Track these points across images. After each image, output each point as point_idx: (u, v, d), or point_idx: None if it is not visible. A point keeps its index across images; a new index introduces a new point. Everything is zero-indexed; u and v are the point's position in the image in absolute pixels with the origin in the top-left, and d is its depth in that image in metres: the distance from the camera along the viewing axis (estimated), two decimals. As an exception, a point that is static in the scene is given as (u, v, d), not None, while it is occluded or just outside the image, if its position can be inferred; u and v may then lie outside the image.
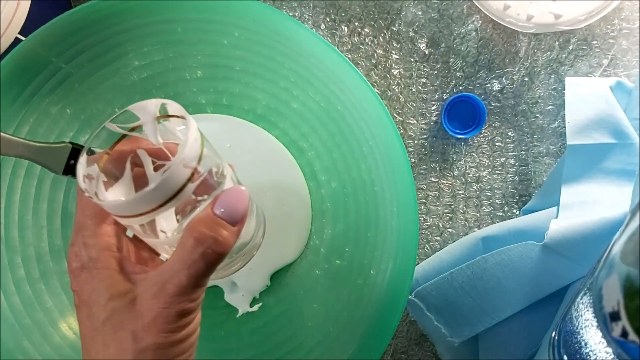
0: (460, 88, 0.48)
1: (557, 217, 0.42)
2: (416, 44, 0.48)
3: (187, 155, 0.25)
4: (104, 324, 0.26)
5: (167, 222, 0.29)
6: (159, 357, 0.25)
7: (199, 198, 0.27)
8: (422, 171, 0.49)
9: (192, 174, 0.25)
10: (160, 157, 0.30)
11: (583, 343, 0.31)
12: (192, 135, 0.26)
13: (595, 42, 0.47)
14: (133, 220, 0.26)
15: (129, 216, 0.25)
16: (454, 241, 0.48)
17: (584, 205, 0.42)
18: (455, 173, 0.49)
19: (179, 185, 0.25)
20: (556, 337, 0.36)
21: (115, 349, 0.25)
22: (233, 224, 0.26)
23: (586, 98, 0.44)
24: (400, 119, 0.49)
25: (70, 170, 0.41)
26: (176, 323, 0.25)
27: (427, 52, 0.48)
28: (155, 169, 0.30)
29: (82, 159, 0.27)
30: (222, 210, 0.26)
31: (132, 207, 0.25)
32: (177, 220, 0.29)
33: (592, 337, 0.30)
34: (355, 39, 0.49)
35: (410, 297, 0.44)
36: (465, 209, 0.49)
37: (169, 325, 0.25)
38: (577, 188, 0.43)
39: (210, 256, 0.25)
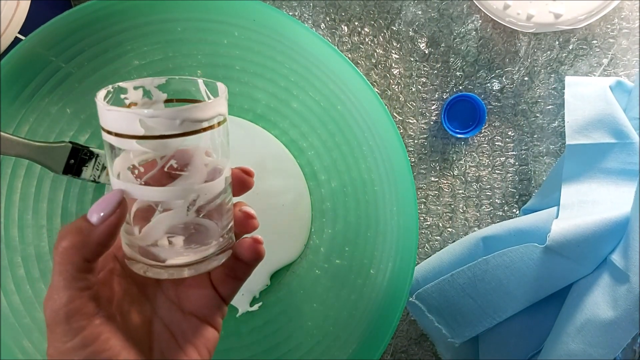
0: (460, 87, 0.48)
1: (557, 217, 0.42)
2: (416, 43, 0.48)
3: (214, 111, 0.26)
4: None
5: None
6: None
7: (178, 171, 0.27)
8: (422, 171, 0.49)
9: (210, 127, 0.26)
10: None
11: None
12: (222, 104, 0.27)
13: (595, 41, 0.47)
14: (144, 144, 0.26)
15: (145, 136, 0.25)
16: (454, 241, 0.48)
17: (584, 205, 0.42)
18: (455, 172, 0.49)
19: (197, 125, 0.26)
20: None
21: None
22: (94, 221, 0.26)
23: (585, 98, 0.44)
24: (400, 118, 0.49)
25: (70, 169, 0.41)
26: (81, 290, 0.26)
27: (427, 52, 0.48)
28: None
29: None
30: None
31: (157, 122, 0.25)
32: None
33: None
34: (355, 39, 0.49)
35: (411, 299, 0.44)
36: (465, 209, 0.49)
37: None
38: (577, 188, 0.43)
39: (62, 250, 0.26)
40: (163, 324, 0.30)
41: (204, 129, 0.26)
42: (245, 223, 0.31)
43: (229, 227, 0.29)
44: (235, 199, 0.30)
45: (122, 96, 0.29)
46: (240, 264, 0.31)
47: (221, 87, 0.28)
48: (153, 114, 0.25)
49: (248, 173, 0.30)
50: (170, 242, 0.28)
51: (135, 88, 0.28)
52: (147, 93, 0.29)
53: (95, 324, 0.26)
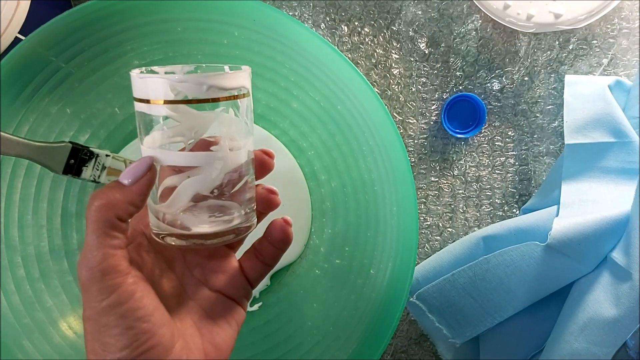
0: (460, 87, 0.48)
1: (557, 216, 0.42)
2: (416, 43, 0.48)
3: (237, 82, 0.28)
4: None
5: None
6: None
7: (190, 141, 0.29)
8: (422, 171, 0.49)
9: (234, 96, 0.28)
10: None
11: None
12: (245, 77, 0.29)
13: (595, 41, 0.47)
14: (169, 108, 0.27)
15: (173, 101, 0.27)
16: (454, 241, 0.48)
17: (584, 204, 0.42)
18: (455, 172, 0.49)
19: (222, 92, 0.28)
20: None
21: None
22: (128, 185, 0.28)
23: (585, 97, 0.44)
24: (400, 118, 0.49)
25: (70, 169, 0.41)
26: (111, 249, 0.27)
27: (427, 52, 0.48)
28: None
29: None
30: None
31: (186, 87, 0.27)
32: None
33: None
34: (355, 39, 0.49)
35: (411, 299, 0.44)
36: (465, 209, 0.49)
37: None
38: (577, 187, 0.43)
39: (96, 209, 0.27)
40: (191, 298, 0.31)
41: (228, 98, 0.28)
42: (267, 199, 0.32)
43: (252, 204, 0.31)
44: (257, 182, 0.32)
45: None
46: (268, 246, 0.32)
47: (245, 67, 0.30)
48: (182, 78, 0.27)
49: (269, 154, 0.32)
50: (194, 212, 0.29)
51: (167, 73, 0.30)
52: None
53: (129, 282, 0.27)
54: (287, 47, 0.43)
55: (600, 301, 0.39)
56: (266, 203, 0.32)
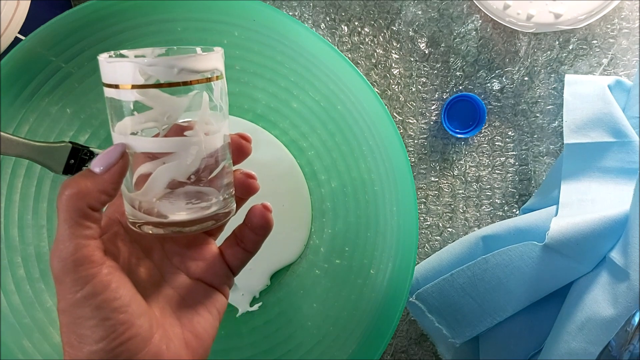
0: (460, 87, 0.48)
1: (556, 216, 0.42)
2: (416, 43, 0.48)
3: (210, 64, 0.27)
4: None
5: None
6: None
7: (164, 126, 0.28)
8: (422, 171, 0.49)
9: (207, 79, 0.27)
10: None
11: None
12: (217, 59, 0.28)
13: (595, 41, 0.47)
14: (140, 93, 0.27)
15: (142, 85, 0.26)
16: (454, 241, 0.48)
17: (583, 204, 0.42)
18: (455, 172, 0.49)
19: (194, 75, 0.27)
20: None
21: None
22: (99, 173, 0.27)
23: (584, 97, 0.44)
24: (400, 118, 0.49)
25: (70, 169, 0.41)
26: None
27: (427, 52, 0.48)
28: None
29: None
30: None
31: (156, 70, 0.26)
32: None
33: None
34: (355, 39, 0.49)
35: (411, 299, 0.44)
36: (465, 209, 0.49)
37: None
38: (576, 186, 0.43)
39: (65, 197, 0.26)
40: (171, 287, 0.31)
41: (200, 81, 0.27)
42: (246, 183, 0.31)
43: (230, 189, 0.30)
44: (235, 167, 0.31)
45: None
46: (249, 233, 0.31)
47: (217, 48, 0.29)
48: (152, 62, 0.26)
49: (245, 138, 0.31)
50: (171, 200, 0.28)
51: (137, 56, 0.29)
52: None
53: (104, 272, 0.26)
54: (287, 47, 0.43)
55: (598, 301, 0.39)
56: (245, 188, 0.31)
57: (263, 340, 0.46)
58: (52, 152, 0.40)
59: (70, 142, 0.41)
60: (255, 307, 0.46)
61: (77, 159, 0.41)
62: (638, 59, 0.47)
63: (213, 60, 0.28)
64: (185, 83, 0.27)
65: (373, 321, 0.43)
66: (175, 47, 0.30)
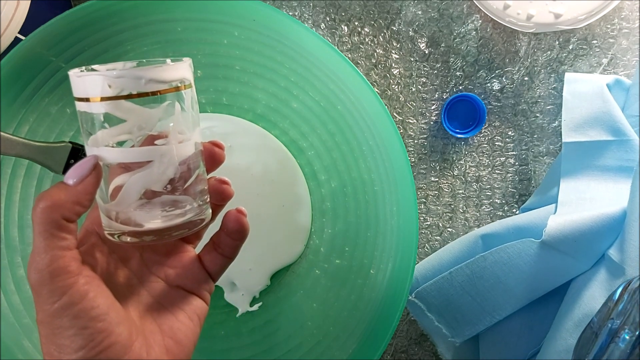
0: (460, 87, 0.48)
1: (554, 214, 0.42)
2: (416, 43, 0.48)
3: (178, 73, 0.28)
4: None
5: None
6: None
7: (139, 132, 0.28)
8: (422, 170, 0.49)
9: (176, 88, 0.28)
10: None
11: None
12: (185, 69, 0.29)
13: (595, 41, 0.47)
14: (109, 105, 0.27)
15: (111, 97, 0.27)
16: (453, 240, 0.48)
17: (582, 202, 0.42)
18: (455, 172, 0.49)
19: (162, 85, 0.27)
20: None
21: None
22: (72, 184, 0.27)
23: (583, 96, 0.44)
24: (400, 118, 0.49)
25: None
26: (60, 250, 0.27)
27: (427, 52, 0.48)
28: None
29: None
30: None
31: (124, 82, 0.27)
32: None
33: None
34: (355, 39, 0.49)
35: (410, 297, 0.44)
36: (465, 209, 0.49)
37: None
38: (575, 185, 0.43)
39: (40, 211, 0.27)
40: (150, 295, 0.31)
41: (169, 90, 0.28)
42: (220, 189, 0.31)
43: (204, 196, 0.30)
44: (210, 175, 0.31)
45: None
46: (226, 238, 0.31)
47: (185, 59, 0.30)
48: (119, 74, 0.26)
49: (218, 146, 0.31)
50: (146, 209, 0.29)
51: (108, 70, 0.29)
52: None
53: (81, 282, 0.27)
54: (287, 47, 0.43)
55: (596, 297, 0.39)
56: (219, 194, 0.31)
57: (263, 340, 0.46)
58: (52, 152, 0.40)
59: (70, 142, 0.41)
60: (255, 307, 0.46)
61: (77, 159, 0.41)
62: (638, 58, 0.47)
63: (180, 70, 0.28)
64: (154, 93, 0.27)
65: (373, 321, 0.43)
66: (145, 60, 0.30)
